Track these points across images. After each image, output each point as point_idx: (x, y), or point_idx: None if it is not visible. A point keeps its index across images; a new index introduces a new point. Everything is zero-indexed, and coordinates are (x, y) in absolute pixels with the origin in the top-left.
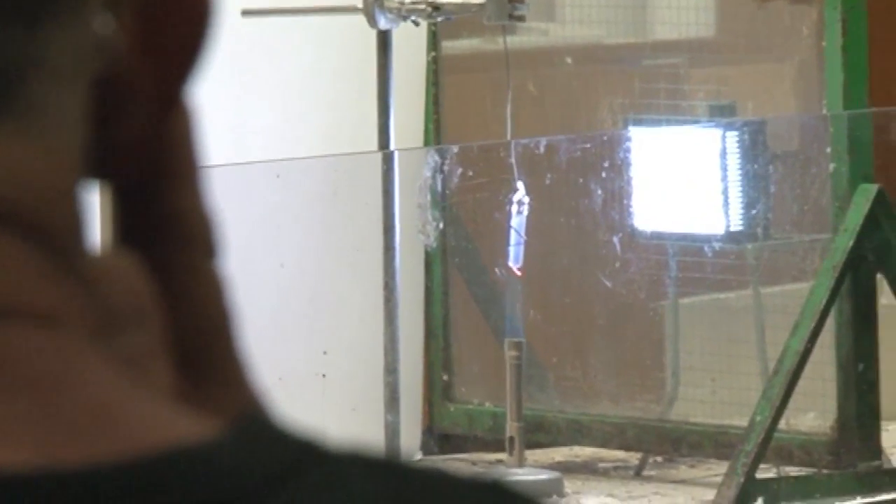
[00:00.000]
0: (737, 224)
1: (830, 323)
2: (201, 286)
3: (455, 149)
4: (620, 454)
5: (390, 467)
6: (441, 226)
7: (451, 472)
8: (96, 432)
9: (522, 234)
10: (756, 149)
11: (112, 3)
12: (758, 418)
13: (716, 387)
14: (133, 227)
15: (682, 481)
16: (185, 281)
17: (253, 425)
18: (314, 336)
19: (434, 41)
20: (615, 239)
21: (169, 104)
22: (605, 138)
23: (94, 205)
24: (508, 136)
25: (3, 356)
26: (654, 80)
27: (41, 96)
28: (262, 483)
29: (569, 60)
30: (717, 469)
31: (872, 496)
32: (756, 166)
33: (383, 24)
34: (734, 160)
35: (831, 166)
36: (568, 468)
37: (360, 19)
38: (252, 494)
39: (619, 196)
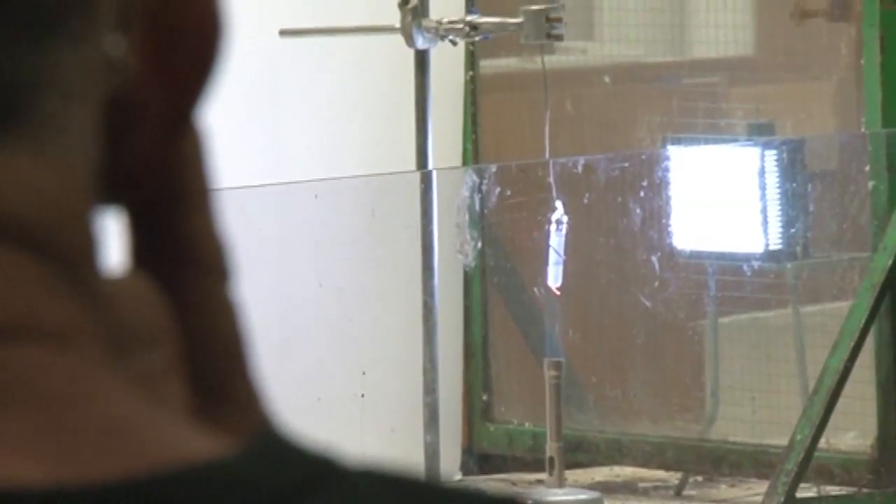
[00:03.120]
0: (776, 243)
1: (870, 341)
2: (214, 308)
3: (493, 168)
4: (660, 474)
5: (405, 484)
6: (479, 245)
7: (468, 489)
8: (110, 449)
9: (561, 253)
10: (795, 167)
11: (123, 23)
12: (798, 437)
13: (756, 406)
14: (146, 249)
15: (723, 501)
16: (197, 302)
17: (266, 443)
18: (353, 356)
19: (472, 60)
20: (654, 258)
21: (180, 125)
22: (643, 157)
23: (109, 226)
24: (546, 156)
25: (16, 374)
26: (693, 99)
27: (53, 115)
28: (275, 499)
29: (607, 79)
30: (758, 488)
31: None
32: (795, 185)
33: (421, 43)
34: (773, 179)
35: (870, 184)
36: (608, 488)
37: (398, 39)
38: None
39: (657, 215)
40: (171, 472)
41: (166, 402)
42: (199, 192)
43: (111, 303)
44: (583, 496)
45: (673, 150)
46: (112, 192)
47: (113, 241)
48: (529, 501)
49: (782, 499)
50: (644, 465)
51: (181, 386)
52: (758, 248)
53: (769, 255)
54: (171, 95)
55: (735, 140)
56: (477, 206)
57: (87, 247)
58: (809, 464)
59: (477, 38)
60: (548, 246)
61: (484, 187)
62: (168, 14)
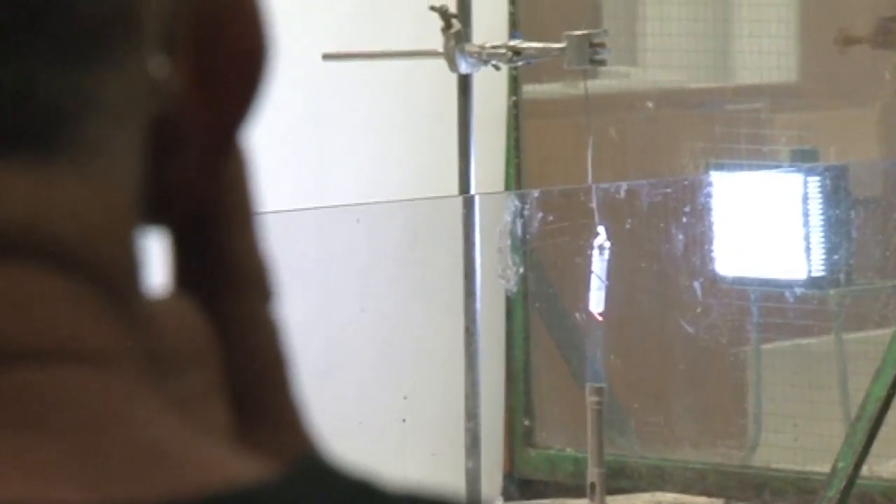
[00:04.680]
0: (819, 269)
1: None
2: (257, 329)
3: (535, 193)
4: (702, 500)
5: None
6: (522, 270)
7: None
8: (149, 472)
9: (604, 278)
10: (838, 194)
11: (167, 45)
12: (840, 464)
13: (798, 433)
14: (189, 271)
15: None
16: (240, 324)
17: (307, 466)
18: (394, 381)
19: (515, 85)
20: (696, 284)
21: (224, 147)
22: (685, 183)
23: (152, 248)
24: (589, 181)
25: (58, 397)
26: (736, 125)
27: (97, 137)
28: None
29: (650, 105)
30: None
31: None
32: (838, 211)
33: (464, 68)
34: (816, 205)
35: None
36: None
37: (441, 63)
38: None
39: (700, 241)
40: (211, 496)
41: (207, 425)
42: (242, 213)
43: (153, 324)
44: None
45: (716, 176)
46: (155, 214)
47: (156, 262)
48: None
49: None
50: (686, 491)
51: (222, 408)
52: (801, 274)
53: (812, 282)
54: (215, 117)
55: (778, 166)
56: (519, 231)
57: (129, 268)
58: (851, 491)
59: (520, 63)
60: (590, 271)
61: (526, 212)
62: (213, 36)
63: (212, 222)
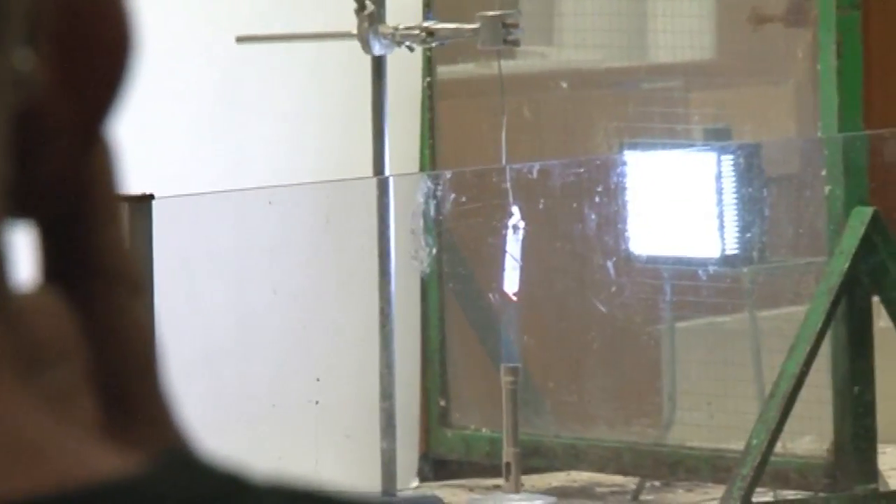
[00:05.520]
0: (732, 247)
1: (826, 346)
2: (125, 323)
3: (449, 174)
4: (617, 479)
5: (314, 499)
6: (435, 251)
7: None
8: (20, 467)
9: (518, 258)
10: (751, 172)
11: (31, 38)
12: (754, 442)
13: (712, 410)
14: (56, 264)
15: None
16: (109, 318)
17: (176, 459)
18: (308, 363)
19: (429, 66)
20: (610, 263)
21: (89, 140)
22: (599, 162)
23: (19, 241)
24: (503, 161)
25: None
26: (650, 104)
27: None
28: None
29: (564, 85)
30: (714, 493)
31: None
32: (751, 190)
33: (378, 49)
34: (729, 184)
35: (826, 189)
36: (565, 493)
37: (355, 45)
38: None
39: (614, 220)
40: (77, 490)
41: (75, 419)
42: (108, 206)
43: (21, 318)
44: (539, 501)
45: (629, 156)
46: (21, 207)
47: (22, 255)
48: None
49: (738, 503)
50: (601, 470)
51: (91, 402)
52: (714, 252)
53: (726, 260)
54: (80, 110)
55: (692, 145)
56: (433, 213)
57: None
58: (765, 468)
59: (434, 44)
60: (504, 251)
61: (440, 193)
62: (77, 29)
63: (78, 216)
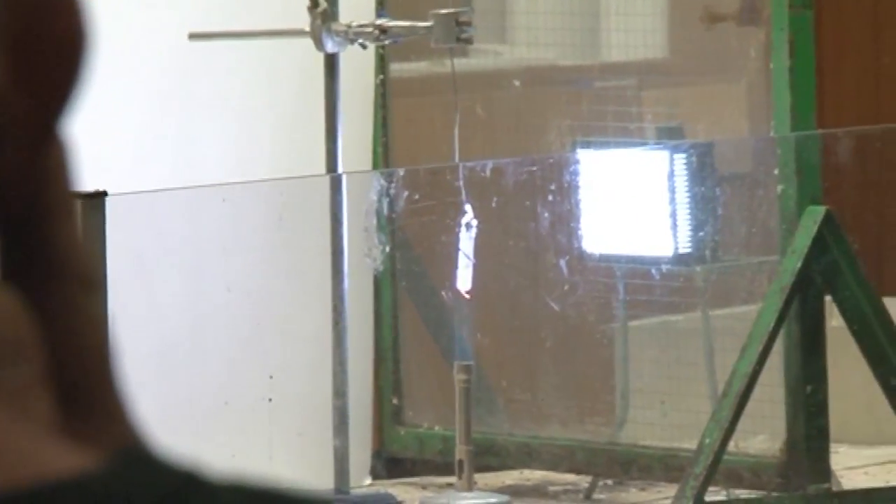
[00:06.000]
0: (685, 246)
1: (779, 345)
2: (80, 320)
3: (401, 172)
4: (570, 477)
5: (268, 497)
6: (389, 249)
7: (334, 498)
8: None
9: (471, 257)
10: (704, 171)
11: None
12: (707, 441)
13: (665, 409)
14: (11, 261)
15: None
16: (63, 315)
17: (132, 456)
18: (261, 360)
19: (382, 64)
20: (563, 262)
21: (44, 138)
22: (551, 161)
23: None
24: (456, 159)
25: None
26: (604, 103)
27: None
28: None
29: (517, 83)
30: (667, 492)
31: None
32: (704, 188)
33: (331, 47)
34: (682, 182)
35: (779, 188)
36: (518, 491)
37: (308, 42)
38: None
39: (566, 219)
40: (35, 488)
41: (31, 417)
42: (63, 204)
43: None
44: (492, 499)
45: (582, 154)
46: None
47: None
48: None
49: (691, 502)
50: (554, 468)
51: (46, 400)
52: (667, 251)
53: (678, 259)
54: (34, 108)
55: (645, 143)
56: (386, 210)
57: None
58: (718, 467)
59: (387, 42)
60: (457, 249)
61: (392, 191)
62: (31, 26)
63: (33, 213)
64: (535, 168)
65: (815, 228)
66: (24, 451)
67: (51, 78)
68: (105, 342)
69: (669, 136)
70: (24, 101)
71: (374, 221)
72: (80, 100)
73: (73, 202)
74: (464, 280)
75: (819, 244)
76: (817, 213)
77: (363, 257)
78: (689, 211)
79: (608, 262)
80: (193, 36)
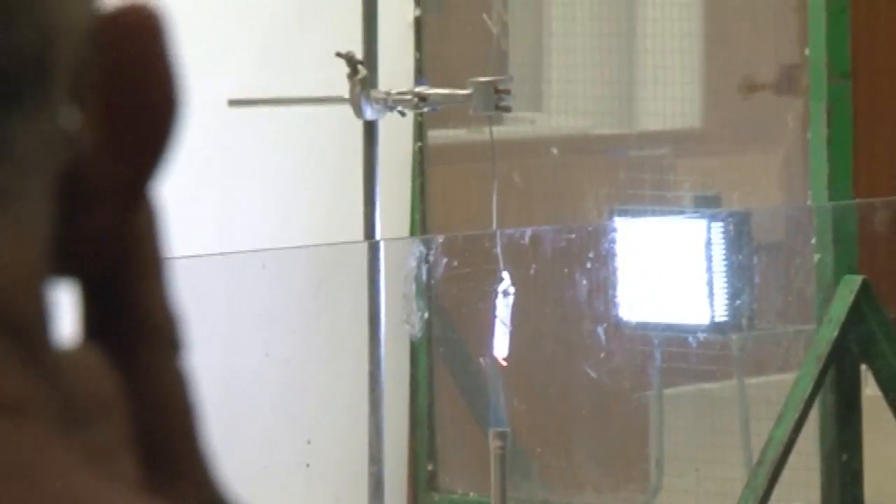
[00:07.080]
0: (721, 315)
1: (815, 413)
2: (165, 380)
3: (440, 239)
4: None
5: None
6: (426, 316)
7: None
8: None
9: (507, 324)
10: (741, 239)
11: (78, 96)
12: None
13: (700, 477)
14: (99, 322)
15: None
16: (149, 375)
17: None
18: (298, 426)
19: (420, 131)
20: (600, 329)
21: (134, 199)
22: (590, 229)
23: (62, 299)
24: (494, 227)
25: None
26: (640, 171)
27: (7, 188)
28: None
29: (554, 151)
30: None
31: None
32: (741, 257)
33: (370, 114)
34: (719, 251)
35: (816, 257)
36: None
37: (347, 109)
38: None
39: (604, 286)
40: None
41: (118, 476)
42: (152, 265)
43: (62, 375)
44: None
45: (619, 222)
46: (66, 264)
47: (65, 312)
48: None
49: None
50: None
51: (131, 459)
52: (703, 319)
53: (714, 327)
54: (125, 170)
55: (682, 212)
56: (424, 277)
57: (39, 318)
58: None
59: (425, 109)
60: (494, 316)
61: (431, 258)
62: (123, 88)
63: (121, 274)
64: (572, 235)
65: (851, 297)
66: None
67: (143, 142)
68: (190, 402)
69: (706, 204)
70: (115, 163)
71: (413, 288)
72: (170, 163)
73: (164, 264)
74: (500, 347)
75: (855, 313)
76: (854, 282)
77: (401, 324)
78: (725, 279)
79: (645, 330)
80: (233, 102)
